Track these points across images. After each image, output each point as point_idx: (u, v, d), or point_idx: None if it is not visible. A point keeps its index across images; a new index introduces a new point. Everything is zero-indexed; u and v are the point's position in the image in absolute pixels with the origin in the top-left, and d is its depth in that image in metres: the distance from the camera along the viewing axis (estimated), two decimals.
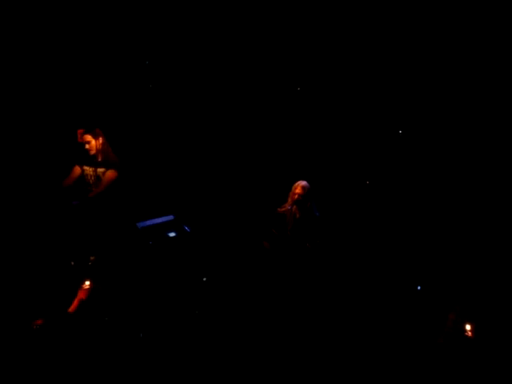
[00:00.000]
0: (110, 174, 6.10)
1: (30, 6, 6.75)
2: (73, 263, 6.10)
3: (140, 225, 5.82)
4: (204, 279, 5.91)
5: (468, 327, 5.05)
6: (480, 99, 6.76)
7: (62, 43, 6.93)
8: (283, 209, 5.95)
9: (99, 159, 6.13)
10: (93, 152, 6.10)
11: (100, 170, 6.12)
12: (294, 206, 5.90)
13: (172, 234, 5.97)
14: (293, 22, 7.11)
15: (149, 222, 5.91)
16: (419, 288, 5.98)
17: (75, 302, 5.31)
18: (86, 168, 6.18)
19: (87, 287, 5.41)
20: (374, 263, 6.45)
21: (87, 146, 6.09)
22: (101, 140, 6.14)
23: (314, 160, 7.24)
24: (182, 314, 5.39)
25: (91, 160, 6.14)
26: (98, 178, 6.12)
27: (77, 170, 6.19)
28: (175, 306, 5.49)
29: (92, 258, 6.00)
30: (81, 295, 5.36)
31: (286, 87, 7.35)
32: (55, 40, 6.88)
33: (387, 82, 7.11)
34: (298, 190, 5.88)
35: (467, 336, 5.02)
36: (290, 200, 5.95)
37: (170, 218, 6.09)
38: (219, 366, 4.71)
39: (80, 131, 6.11)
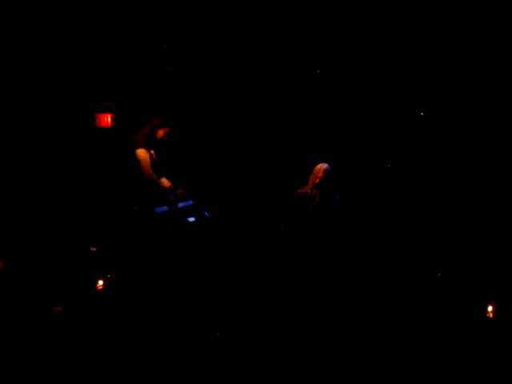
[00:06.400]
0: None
1: None
2: (95, 249, 6.13)
3: (158, 210, 5.76)
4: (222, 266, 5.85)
5: (489, 308, 4.96)
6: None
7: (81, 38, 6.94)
8: (303, 190, 5.83)
9: None
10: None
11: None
12: (315, 190, 5.78)
13: (191, 219, 5.93)
14: (313, 11, 7.00)
15: (167, 207, 5.86)
16: (439, 275, 5.86)
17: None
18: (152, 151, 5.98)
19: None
20: (390, 250, 6.33)
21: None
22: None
23: (336, 143, 7.13)
24: (199, 302, 5.32)
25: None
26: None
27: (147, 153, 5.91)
28: (194, 292, 5.43)
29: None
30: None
31: (306, 71, 7.23)
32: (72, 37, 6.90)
33: (409, 65, 6.97)
34: (320, 174, 5.74)
35: (487, 317, 4.94)
36: (310, 182, 5.82)
37: (190, 202, 6.03)
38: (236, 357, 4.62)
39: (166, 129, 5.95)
